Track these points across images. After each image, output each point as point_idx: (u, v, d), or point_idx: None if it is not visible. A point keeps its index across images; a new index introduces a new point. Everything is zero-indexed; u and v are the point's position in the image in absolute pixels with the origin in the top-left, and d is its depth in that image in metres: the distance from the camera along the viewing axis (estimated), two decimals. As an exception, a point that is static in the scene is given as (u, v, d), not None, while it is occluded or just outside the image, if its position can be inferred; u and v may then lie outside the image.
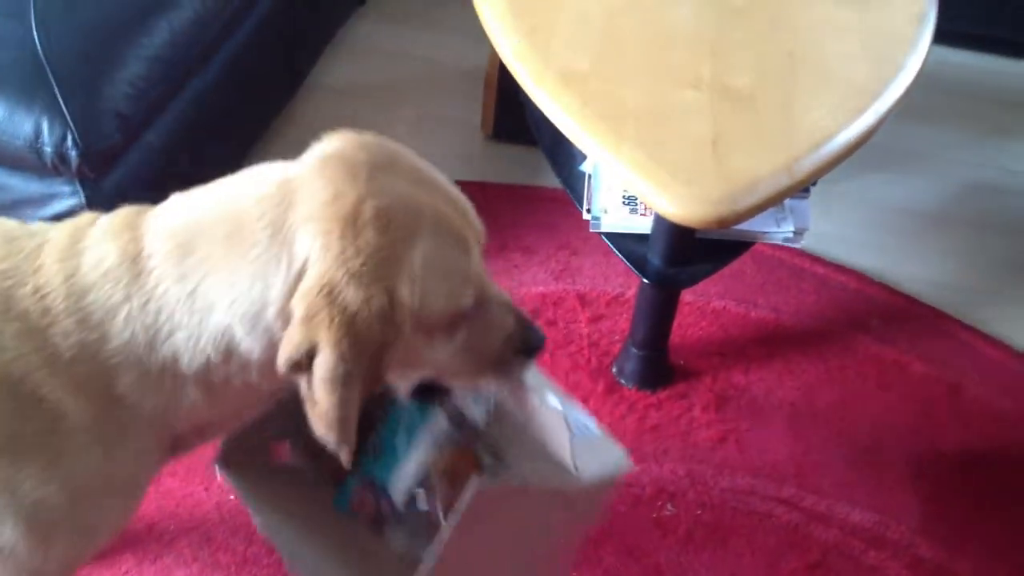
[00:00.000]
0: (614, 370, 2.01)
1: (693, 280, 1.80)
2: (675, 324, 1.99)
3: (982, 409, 2.00)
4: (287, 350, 0.92)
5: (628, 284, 2.19)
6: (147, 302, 0.96)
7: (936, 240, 2.44)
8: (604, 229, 1.84)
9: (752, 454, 1.88)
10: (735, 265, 2.14)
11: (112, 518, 1.06)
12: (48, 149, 1.64)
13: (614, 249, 1.82)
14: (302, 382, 0.95)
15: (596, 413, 1.92)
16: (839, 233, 2.39)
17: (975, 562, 1.73)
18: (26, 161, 1.68)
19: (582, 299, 2.18)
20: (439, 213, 0.98)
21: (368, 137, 1.03)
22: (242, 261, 0.94)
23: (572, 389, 1.97)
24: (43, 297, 0.98)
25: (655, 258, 1.77)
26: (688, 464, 1.85)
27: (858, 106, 1.65)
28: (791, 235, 1.81)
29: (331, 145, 1.01)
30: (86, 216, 1.06)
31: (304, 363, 0.92)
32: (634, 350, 1.96)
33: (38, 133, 1.63)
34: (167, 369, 0.98)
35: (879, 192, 2.55)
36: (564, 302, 2.17)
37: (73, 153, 1.64)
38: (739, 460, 1.87)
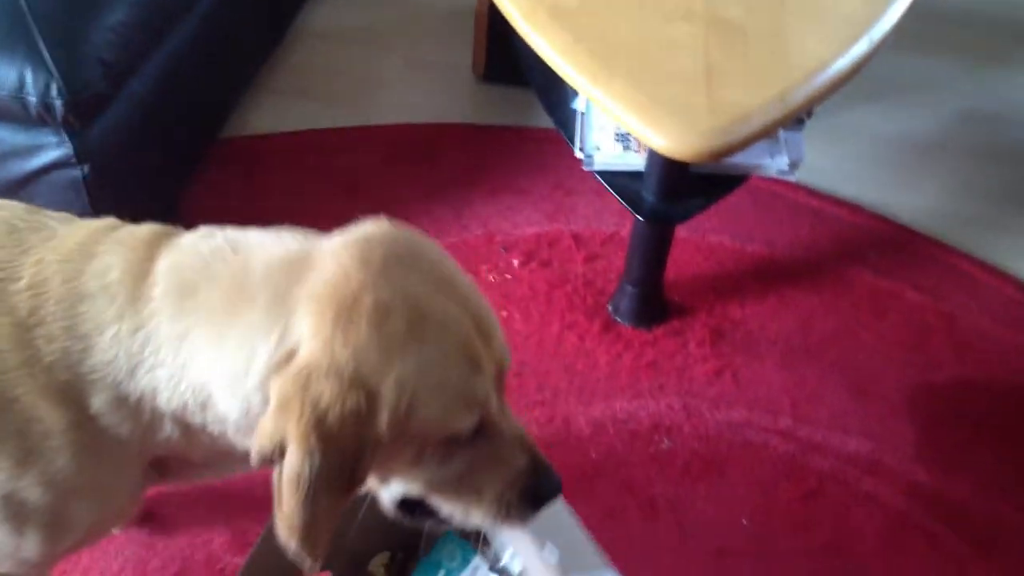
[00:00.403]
0: (610, 308, 2.02)
1: (687, 215, 1.80)
2: (670, 261, 1.99)
3: (978, 338, 2.01)
4: (259, 440, 0.85)
5: (622, 222, 2.18)
6: (137, 329, 0.92)
7: (932, 170, 2.43)
8: (597, 167, 1.83)
9: (748, 387, 1.89)
10: (730, 200, 2.13)
11: (86, 519, 1.02)
12: (32, 99, 1.62)
13: (607, 187, 1.82)
14: (275, 477, 0.87)
15: (593, 352, 1.93)
16: (834, 166, 2.38)
17: (971, 487, 1.75)
18: (11, 112, 1.66)
19: (577, 239, 2.17)
20: (450, 322, 0.87)
21: (401, 230, 0.95)
22: (235, 320, 0.88)
23: (569, 328, 1.98)
24: (36, 295, 0.94)
25: (649, 194, 1.76)
26: (684, 399, 1.86)
27: (850, 35, 1.63)
28: (786, 168, 1.80)
29: (361, 229, 0.94)
30: (108, 221, 1.03)
31: (276, 457, 0.85)
32: (629, 288, 1.97)
33: (22, 83, 1.61)
34: (144, 399, 0.94)
35: (875, 124, 2.53)
36: (559, 242, 2.16)
37: (58, 102, 1.63)
38: (735, 393, 1.88)
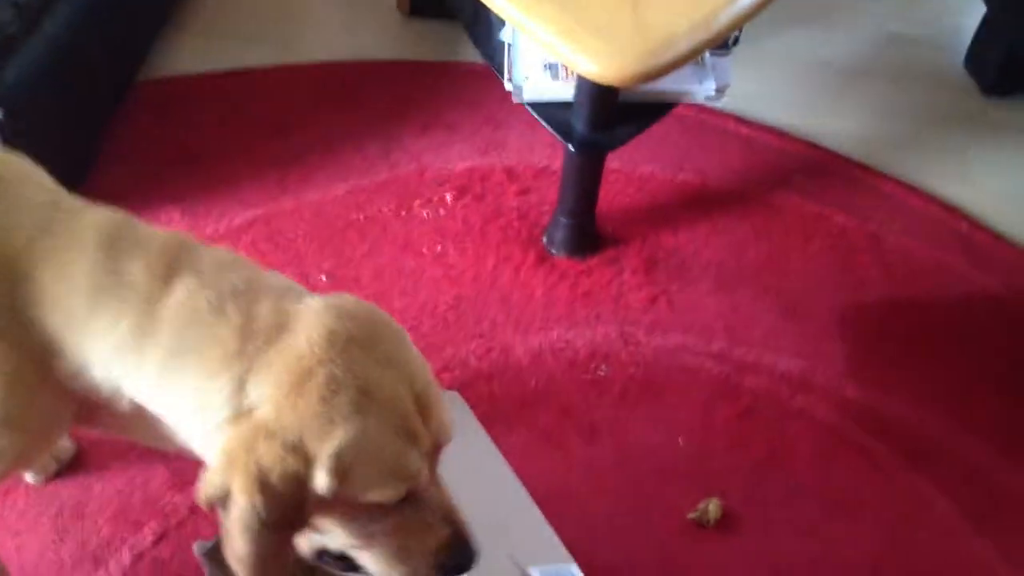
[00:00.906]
0: (544, 240, 2.02)
1: (617, 143, 1.80)
2: (602, 192, 1.99)
3: (904, 257, 2.06)
4: (205, 488, 0.93)
5: (554, 155, 2.18)
6: (136, 331, 0.96)
7: (857, 94, 2.46)
8: (527, 98, 1.82)
9: (682, 313, 1.92)
10: (660, 130, 2.14)
11: (10, 452, 1.03)
12: (-60, 40, 1.56)
13: (538, 117, 1.81)
14: (222, 516, 0.95)
15: (528, 283, 1.94)
16: (762, 91, 2.39)
17: (901, 401, 1.80)
18: (-83, 54, 1.60)
19: (509, 172, 2.17)
20: (392, 400, 0.94)
21: (366, 308, 1.01)
22: (219, 368, 0.94)
23: (504, 261, 1.98)
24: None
25: (579, 124, 1.76)
26: (620, 326, 1.88)
27: (774, -45, 1.63)
28: (712, 93, 1.81)
29: (336, 301, 0.99)
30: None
31: (221, 504, 0.93)
32: (563, 219, 1.97)
33: (-73, 24, 1.55)
34: (110, 381, 0.98)
35: (800, 49, 2.55)
36: (491, 176, 2.15)
37: (-33, 43, 1.57)
38: (670, 319, 1.90)
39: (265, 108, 2.25)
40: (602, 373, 1.81)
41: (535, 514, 1.25)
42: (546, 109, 1.82)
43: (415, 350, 1.02)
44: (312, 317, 0.96)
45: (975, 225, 2.13)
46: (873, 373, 1.85)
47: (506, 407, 1.74)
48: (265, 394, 0.92)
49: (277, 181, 2.11)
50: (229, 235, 1.99)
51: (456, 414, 1.27)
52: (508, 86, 1.83)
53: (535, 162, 2.19)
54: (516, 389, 1.77)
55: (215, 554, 1.22)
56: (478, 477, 1.28)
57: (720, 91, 1.82)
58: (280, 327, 0.95)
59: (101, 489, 1.56)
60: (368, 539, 1.01)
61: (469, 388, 1.76)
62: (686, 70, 1.77)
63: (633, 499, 1.63)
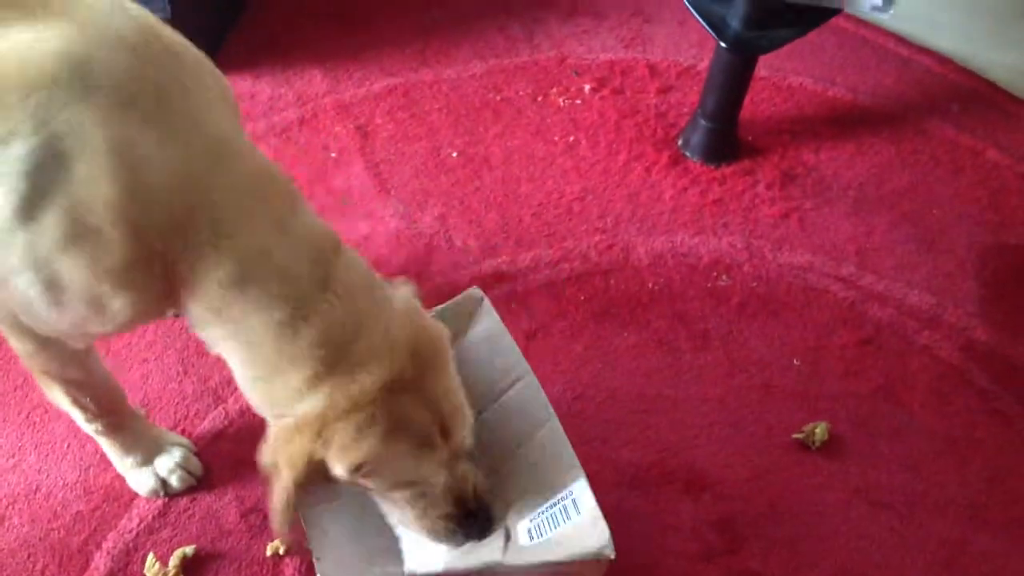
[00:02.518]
0: (680, 142, 1.98)
1: (772, 46, 1.73)
2: (747, 99, 1.93)
3: (1056, 203, 1.95)
4: (262, 455, 1.11)
5: (701, 55, 2.11)
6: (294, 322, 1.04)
7: (1030, 27, 2.30)
8: (682, -10, 1.76)
9: (813, 232, 1.86)
10: (816, 41, 2.06)
11: (119, 315, 1.07)
12: None
13: (692, 10, 1.75)
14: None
15: (658, 184, 1.91)
16: (927, 14, 2.25)
17: (1029, 349, 1.73)
18: None
19: (652, 69, 2.11)
20: (420, 430, 1.11)
21: (434, 340, 1.14)
22: (302, 376, 1.06)
23: (635, 159, 1.95)
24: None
25: (735, 20, 1.70)
26: (747, 239, 1.84)
27: None
28: (880, 3, 1.71)
29: (412, 333, 1.12)
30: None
31: (271, 471, 1.11)
32: (703, 122, 1.92)
33: None
34: (224, 316, 1.05)
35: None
36: (633, 71, 2.10)
37: None
38: (800, 237, 1.85)
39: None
40: (723, 283, 1.78)
41: (554, 425, 1.26)
42: (701, 2, 1.75)
43: (456, 378, 1.16)
44: (384, 362, 1.07)
45: None
46: (1005, 317, 1.77)
47: (620, 305, 1.73)
48: (319, 407, 1.06)
49: (418, 52, 2.10)
50: (368, 100, 2.00)
51: (483, 316, 1.34)
52: (664, -23, 1.77)
53: (680, 61, 2.12)
54: (633, 289, 1.76)
55: None
56: (500, 382, 1.32)
57: (888, 3, 1.72)
58: (360, 366, 1.06)
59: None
60: (391, 504, 1.20)
61: (585, 281, 1.75)
62: (856, -23, 1.68)
63: (738, 411, 1.62)
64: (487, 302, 1.36)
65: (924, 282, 1.80)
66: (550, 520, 1.19)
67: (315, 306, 1.04)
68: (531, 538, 1.18)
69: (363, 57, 2.08)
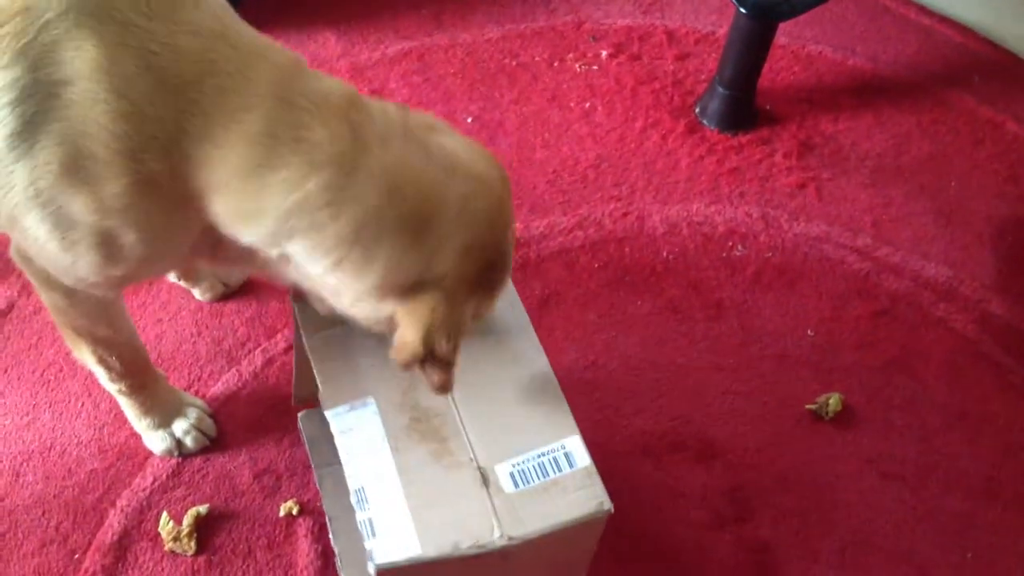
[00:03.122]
0: (697, 110, 1.96)
1: (792, 13, 1.71)
2: (766, 67, 1.91)
3: (1077, 176, 1.93)
4: (402, 354, 1.03)
5: (720, 22, 2.09)
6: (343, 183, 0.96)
7: (1057, -3, 2.27)
8: (702, -45, 1.74)
9: (830, 202, 1.85)
10: (836, 9, 2.03)
11: (135, 252, 1.04)
12: None
13: (711, -24, 1.73)
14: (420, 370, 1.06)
15: (675, 152, 1.89)
16: (951, -17, 2.23)
17: (1045, 324, 1.72)
18: None
19: (670, 35, 2.09)
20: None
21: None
22: (409, 229, 0.98)
23: (652, 126, 1.93)
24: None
25: (755, -13, 1.68)
26: (763, 208, 1.83)
27: None
28: (904, -28, 1.69)
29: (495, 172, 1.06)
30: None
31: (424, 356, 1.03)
32: (720, 89, 1.90)
33: None
34: (277, 231, 0.99)
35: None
36: (651, 37, 2.08)
37: None
38: (816, 207, 1.84)
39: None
40: (738, 253, 1.77)
41: (548, 374, 1.21)
42: (721, -30, 1.73)
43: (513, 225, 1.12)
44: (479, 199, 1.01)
45: None
46: (1022, 291, 1.76)
47: (634, 273, 1.73)
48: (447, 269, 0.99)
49: (433, 16, 2.08)
50: (382, 64, 1.99)
51: None
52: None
53: (699, 27, 2.10)
54: (647, 257, 1.75)
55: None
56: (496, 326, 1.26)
57: (912, -29, 1.70)
58: (463, 207, 1.00)
59: (241, 291, 1.63)
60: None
61: (600, 249, 1.75)
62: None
63: (752, 381, 1.61)
64: None
65: (941, 254, 1.79)
66: (539, 468, 1.13)
67: (364, 161, 0.97)
68: (516, 485, 1.14)
69: (378, 20, 2.06)
